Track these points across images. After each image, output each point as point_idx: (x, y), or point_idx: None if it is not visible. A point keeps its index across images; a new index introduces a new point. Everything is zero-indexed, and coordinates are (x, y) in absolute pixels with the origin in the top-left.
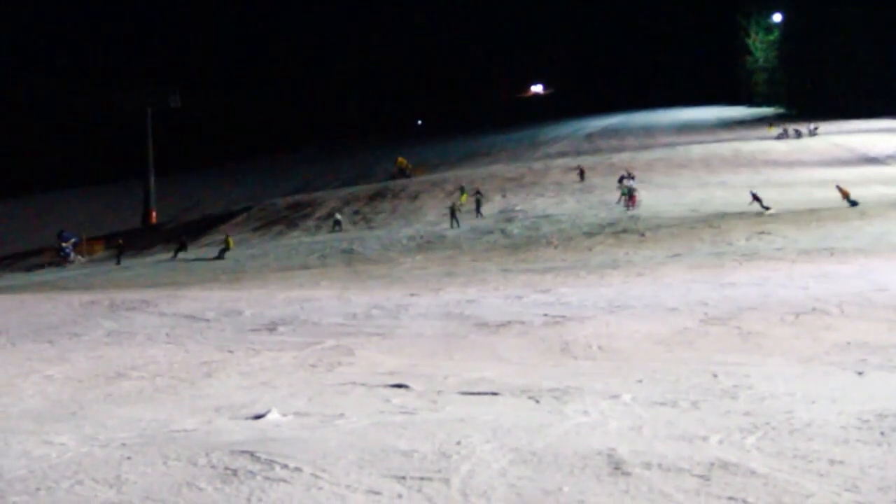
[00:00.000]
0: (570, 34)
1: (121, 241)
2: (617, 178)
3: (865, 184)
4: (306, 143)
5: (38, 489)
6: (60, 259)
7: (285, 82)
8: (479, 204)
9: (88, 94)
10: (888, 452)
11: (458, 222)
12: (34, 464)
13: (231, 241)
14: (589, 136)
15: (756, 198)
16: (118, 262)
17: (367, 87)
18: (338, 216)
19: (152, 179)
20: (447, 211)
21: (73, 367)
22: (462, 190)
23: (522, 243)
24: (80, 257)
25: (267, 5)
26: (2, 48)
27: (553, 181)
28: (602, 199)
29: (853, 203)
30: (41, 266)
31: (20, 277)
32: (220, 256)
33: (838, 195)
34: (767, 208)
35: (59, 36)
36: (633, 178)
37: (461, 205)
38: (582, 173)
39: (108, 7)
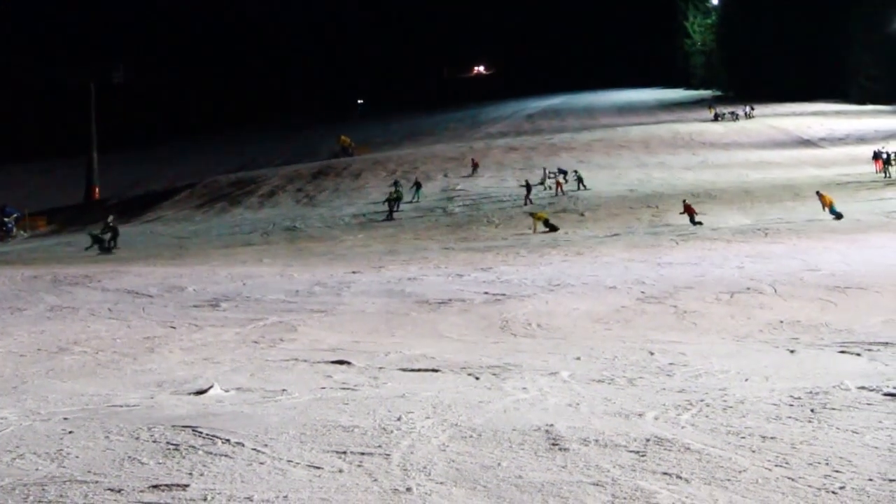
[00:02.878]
0: (513, 15)
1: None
2: (553, 166)
3: (799, 166)
4: (249, 122)
5: None
6: (2, 234)
7: (228, 60)
8: (417, 187)
9: (31, 69)
10: (818, 429)
11: (391, 214)
12: None
13: (110, 220)
14: (530, 117)
15: (688, 209)
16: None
17: (310, 66)
18: (110, 219)
19: (95, 155)
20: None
21: (14, 342)
22: (395, 183)
23: (463, 222)
24: (21, 232)
25: None
26: None
27: (494, 161)
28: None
29: (838, 216)
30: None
31: None
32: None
33: (819, 202)
34: (699, 223)
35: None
36: (563, 172)
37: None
38: (475, 166)
39: None
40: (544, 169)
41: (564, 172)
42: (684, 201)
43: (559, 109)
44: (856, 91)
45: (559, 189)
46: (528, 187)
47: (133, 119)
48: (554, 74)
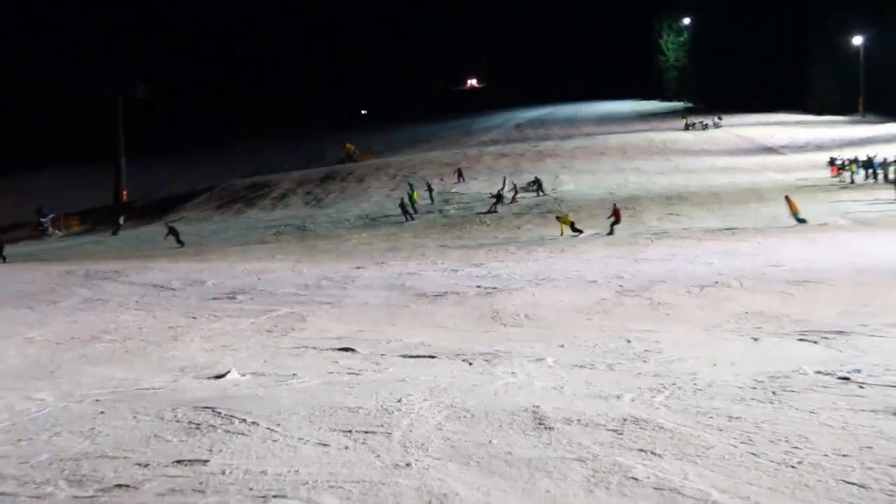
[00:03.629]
0: (504, 33)
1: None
2: (539, 172)
3: (762, 171)
4: (263, 132)
5: (19, 440)
6: (39, 233)
7: (243, 75)
8: (430, 191)
9: (64, 83)
10: (779, 409)
11: (411, 215)
12: (16, 417)
13: (121, 220)
14: (518, 126)
15: (616, 213)
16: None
17: (318, 79)
18: (121, 219)
19: (123, 161)
20: (398, 208)
21: (50, 331)
22: (411, 187)
23: (458, 222)
24: (57, 231)
25: (225, 10)
26: None
27: (486, 166)
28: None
29: (802, 221)
30: (22, 239)
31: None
32: (115, 234)
33: (786, 207)
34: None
35: (35, 21)
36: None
37: (410, 201)
38: (460, 174)
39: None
40: (504, 178)
41: (538, 182)
42: (786, 196)
43: (545, 119)
44: (814, 103)
45: (514, 199)
46: (499, 196)
47: (156, 129)
48: (540, 87)
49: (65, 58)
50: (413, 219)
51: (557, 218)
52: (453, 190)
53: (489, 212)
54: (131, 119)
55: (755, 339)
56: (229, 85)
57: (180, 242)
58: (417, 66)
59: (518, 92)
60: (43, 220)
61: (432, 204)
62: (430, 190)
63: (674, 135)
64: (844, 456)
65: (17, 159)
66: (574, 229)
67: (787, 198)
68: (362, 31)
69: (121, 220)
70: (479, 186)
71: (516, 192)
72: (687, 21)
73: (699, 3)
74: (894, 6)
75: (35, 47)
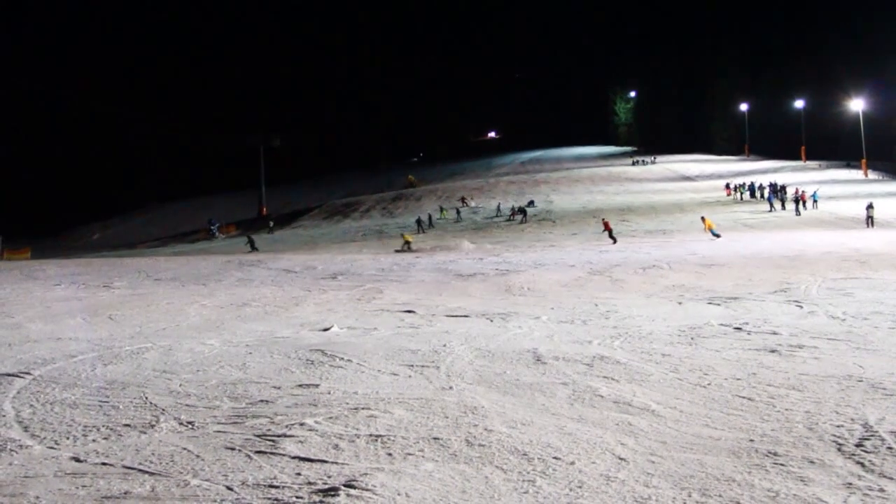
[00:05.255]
0: (514, 100)
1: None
2: (535, 195)
3: (682, 192)
4: (352, 166)
5: (197, 370)
6: (209, 236)
7: (340, 126)
8: (458, 212)
9: (225, 137)
10: (695, 349)
11: (424, 229)
12: (195, 355)
13: (271, 223)
14: (522, 163)
15: (606, 225)
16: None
17: (391, 130)
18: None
19: (263, 189)
20: (440, 214)
21: (216, 300)
22: (441, 209)
23: (483, 226)
24: (221, 235)
25: (330, 82)
26: (182, 109)
27: (501, 190)
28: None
29: (717, 235)
30: (198, 240)
31: (186, 247)
32: (271, 232)
33: (701, 223)
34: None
35: (205, 96)
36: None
37: (441, 216)
38: (463, 200)
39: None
40: (504, 205)
41: (524, 207)
42: (702, 217)
43: (539, 159)
44: (715, 147)
45: (512, 216)
46: (521, 210)
47: (284, 165)
48: (537, 137)
49: (227, 120)
50: (425, 231)
51: (605, 225)
52: (480, 206)
53: (510, 219)
54: (268, 159)
55: (679, 303)
56: (332, 133)
57: (255, 248)
58: (453, 121)
59: (522, 140)
60: (212, 227)
61: (458, 217)
62: (458, 210)
63: (624, 168)
64: (738, 379)
65: (194, 188)
66: (611, 236)
67: (702, 218)
68: (418, 95)
69: (271, 224)
70: (496, 203)
71: (513, 212)
72: (633, 94)
73: (640, 83)
74: (767, 82)
75: (206, 114)
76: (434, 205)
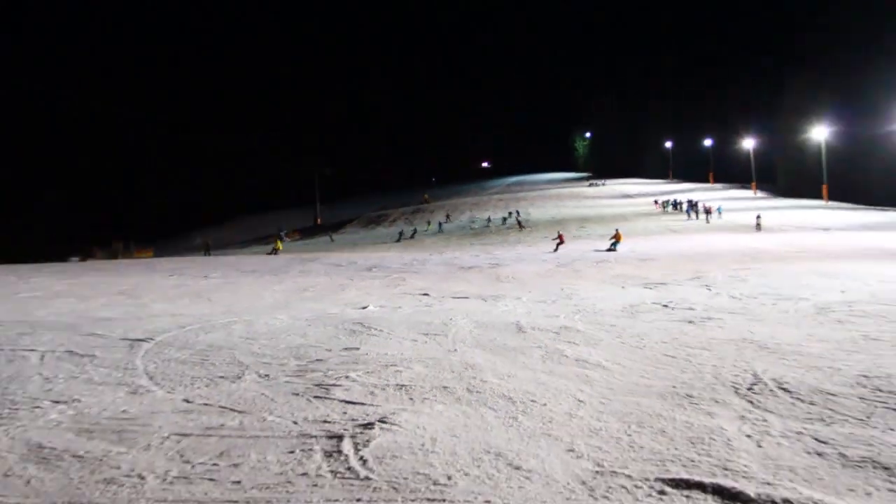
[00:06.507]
0: (500, 133)
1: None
2: (511, 210)
3: (625, 206)
4: (383, 188)
5: (271, 337)
6: (273, 252)
7: (375, 159)
8: (440, 225)
9: (289, 164)
10: (635, 321)
11: (406, 237)
12: (269, 327)
13: (280, 244)
14: (508, 185)
15: (560, 238)
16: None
17: (411, 159)
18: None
19: (318, 205)
20: (437, 225)
21: (284, 287)
22: (428, 222)
23: (479, 232)
24: (287, 239)
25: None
26: (260, 141)
27: (492, 205)
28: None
29: (612, 249)
30: (270, 243)
31: (261, 248)
32: (331, 240)
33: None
34: (556, 248)
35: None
36: (516, 213)
37: (427, 228)
38: (448, 216)
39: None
40: (509, 213)
41: (517, 213)
42: (616, 229)
43: (521, 181)
44: (650, 173)
45: (519, 225)
46: (518, 221)
47: (334, 187)
48: (519, 166)
49: (291, 148)
50: (400, 240)
51: (616, 233)
52: (476, 216)
53: (504, 221)
54: (321, 182)
55: (623, 288)
56: (370, 163)
57: (207, 253)
58: (456, 152)
59: (508, 168)
60: (281, 233)
61: (440, 229)
62: (440, 223)
63: (582, 189)
64: (664, 342)
65: (265, 203)
66: (614, 247)
67: (616, 230)
68: (433, 136)
69: (332, 237)
70: (488, 215)
71: (518, 223)
72: (588, 134)
73: (595, 125)
74: (685, 125)
75: (277, 143)
76: (442, 216)
